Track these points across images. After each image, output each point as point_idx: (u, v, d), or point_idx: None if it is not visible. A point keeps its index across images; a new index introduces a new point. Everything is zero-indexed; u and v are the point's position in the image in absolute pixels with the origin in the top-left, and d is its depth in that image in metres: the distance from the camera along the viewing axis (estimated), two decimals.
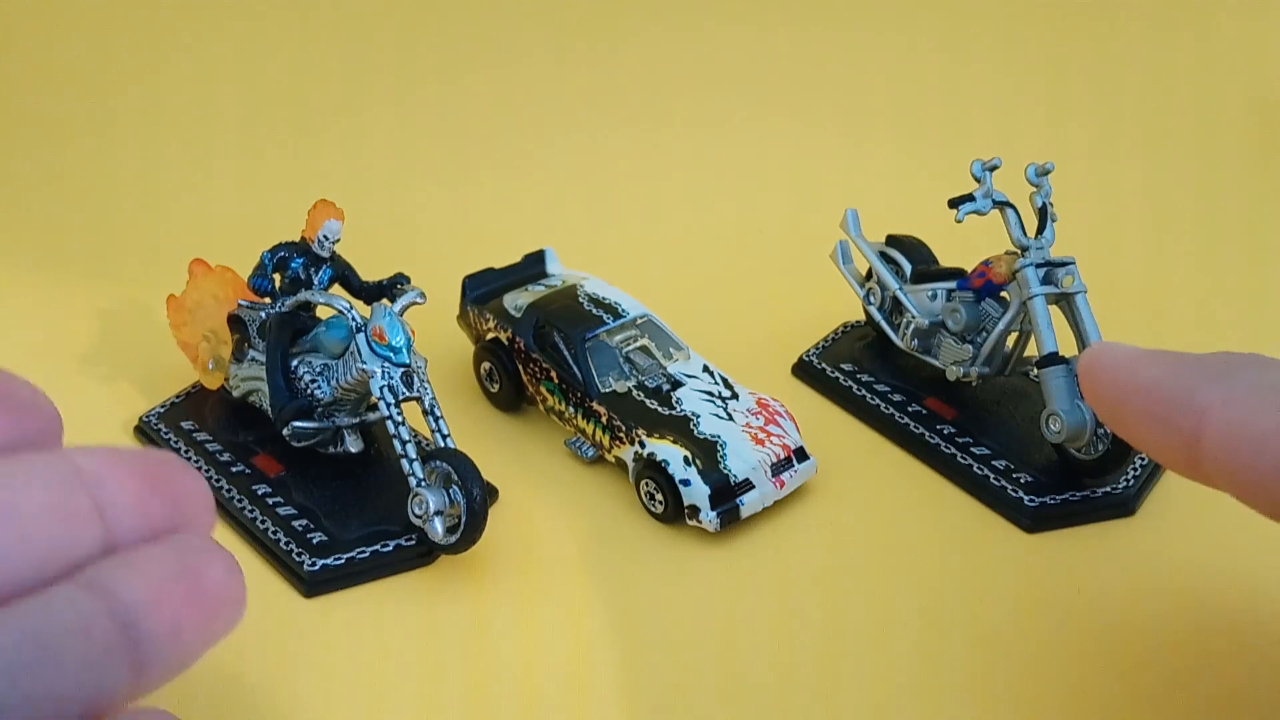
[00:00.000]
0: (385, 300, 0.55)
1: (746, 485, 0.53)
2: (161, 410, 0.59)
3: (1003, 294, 0.58)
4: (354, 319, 0.52)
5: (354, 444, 0.55)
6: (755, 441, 0.54)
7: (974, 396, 0.60)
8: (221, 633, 0.30)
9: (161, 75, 0.89)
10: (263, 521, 0.53)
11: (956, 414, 0.59)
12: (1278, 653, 0.48)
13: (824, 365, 0.63)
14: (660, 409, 0.56)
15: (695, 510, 0.53)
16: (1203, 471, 0.35)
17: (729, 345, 0.62)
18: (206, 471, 0.56)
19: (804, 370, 0.64)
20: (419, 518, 0.51)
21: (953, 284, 0.60)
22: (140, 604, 0.28)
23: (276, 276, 0.55)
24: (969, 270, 0.59)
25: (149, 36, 0.93)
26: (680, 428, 0.55)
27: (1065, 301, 0.56)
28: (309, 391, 0.54)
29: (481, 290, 0.62)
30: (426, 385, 0.53)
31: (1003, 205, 0.57)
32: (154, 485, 0.31)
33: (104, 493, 0.29)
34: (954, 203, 0.57)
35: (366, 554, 0.52)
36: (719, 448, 0.54)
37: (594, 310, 0.59)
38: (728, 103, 0.88)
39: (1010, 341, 0.58)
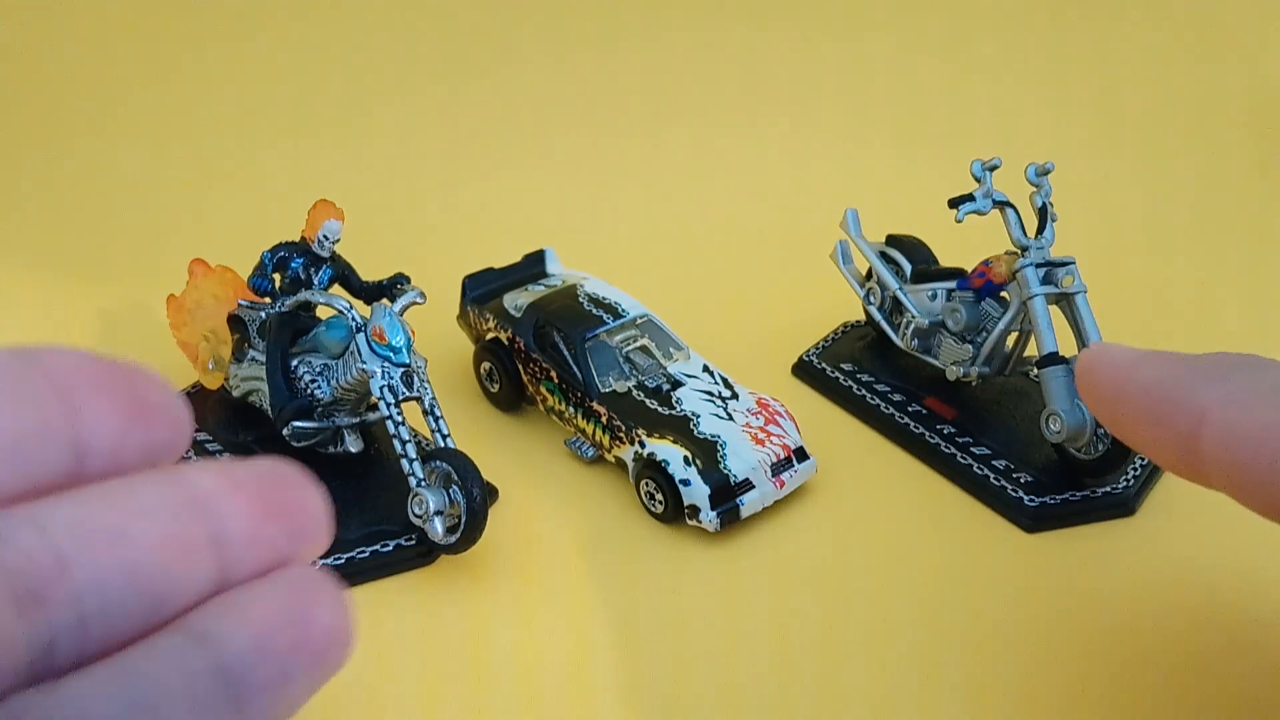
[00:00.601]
0: (385, 300, 0.55)
1: (746, 485, 0.53)
2: None
3: (1003, 294, 0.58)
4: (354, 319, 0.52)
5: (354, 444, 0.55)
6: (755, 441, 0.54)
7: (974, 396, 0.60)
8: (328, 678, 0.29)
9: (162, 76, 0.89)
10: None
11: (956, 414, 0.59)
12: (1278, 653, 0.48)
13: (824, 365, 0.63)
14: (660, 409, 0.56)
15: (695, 510, 0.53)
16: (1201, 472, 0.35)
17: (729, 345, 0.62)
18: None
19: (804, 370, 0.64)
20: (419, 518, 0.51)
21: (953, 284, 0.60)
22: (247, 656, 0.26)
23: (276, 276, 0.55)
24: (969, 270, 0.59)
25: (149, 37, 0.93)
26: (680, 428, 0.55)
27: (1065, 301, 0.56)
28: (309, 391, 0.54)
29: (481, 290, 0.62)
30: (426, 385, 0.53)
31: (1003, 205, 0.57)
32: (272, 510, 0.29)
33: (221, 521, 0.27)
34: (954, 203, 0.57)
35: (366, 554, 0.52)
36: (719, 448, 0.54)
37: (594, 310, 0.59)
38: (728, 103, 0.88)
39: (1010, 341, 0.58)
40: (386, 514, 0.53)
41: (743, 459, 0.54)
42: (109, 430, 0.27)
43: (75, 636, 0.25)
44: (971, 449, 0.57)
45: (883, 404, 0.61)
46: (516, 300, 0.61)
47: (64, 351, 0.27)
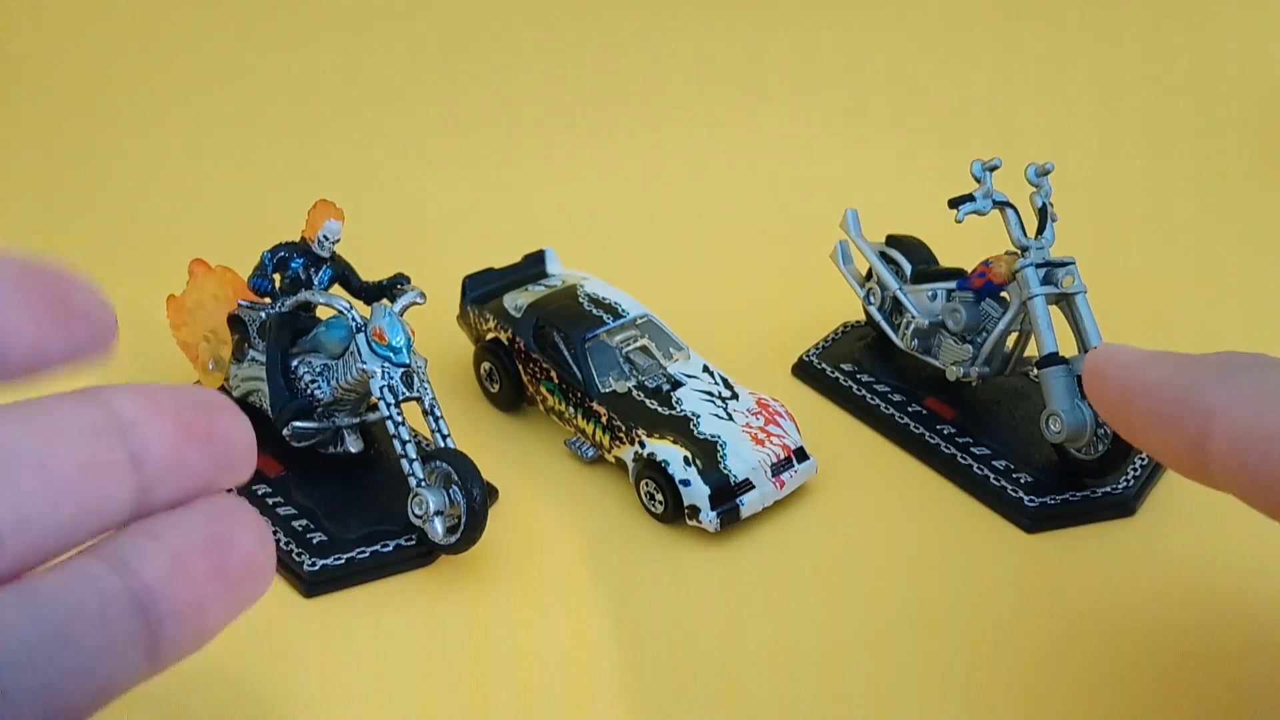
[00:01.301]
0: (385, 300, 0.55)
1: (746, 485, 0.53)
2: None
3: (1003, 294, 0.58)
4: (354, 319, 0.52)
5: (354, 444, 0.55)
6: (755, 441, 0.54)
7: (974, 396, 0.60)
8: (245, 607, 0.28)
9: (161, 75, 0.89)
10: None
11: (956, 414, 0.59)
12: (1278, 653, 0.48)
13: (824, 365, 0.63)
14: (660, 409, 0.56)
15: (695, 510, 0.53)
16: (1209, 473, 0.35)
17: (729, 345, 0.62)
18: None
19: (804, 370, 0.63)
20: (419, 518, 0.51)
21: (953, 284, 0.59)
22: (163, 583, 0.26)
23: (276, 276, 0.55)
24: (969, 270, 0.59)
25: (149, 36, 0.93)
26: (680, 428, 0.55)
27: (1065, 301, 0.56)
28: (309, 391, 0.54)
29: (481, 290, 0.62)
30: (426, 385, 0.53)
31: (1003, 205, 0.57)
32: (195, 433, 0.28)
33: (141, 443, 0.27)
34: (954, 203, 0.57)
35: (366, 554, 0.52)
36: (719, 448, 0.54)
37: (594, 310, 0.59)
38: (728, 102, 0.88)
39: (1010, 341, 0.58)
40: (386, 514, 0.53)
41: (743, 459, 0.54)
42: (27, 329, 0.27)
43: None
44: (971, 449, 0.57)
45: (883, 404, 0.60)
46: (516, 300, 0.61)
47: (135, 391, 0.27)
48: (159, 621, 0.26)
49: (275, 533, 0.52)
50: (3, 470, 0.25)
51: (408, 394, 0.52)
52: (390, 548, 0.52)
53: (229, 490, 0.30)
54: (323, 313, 0.56)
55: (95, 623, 0.26)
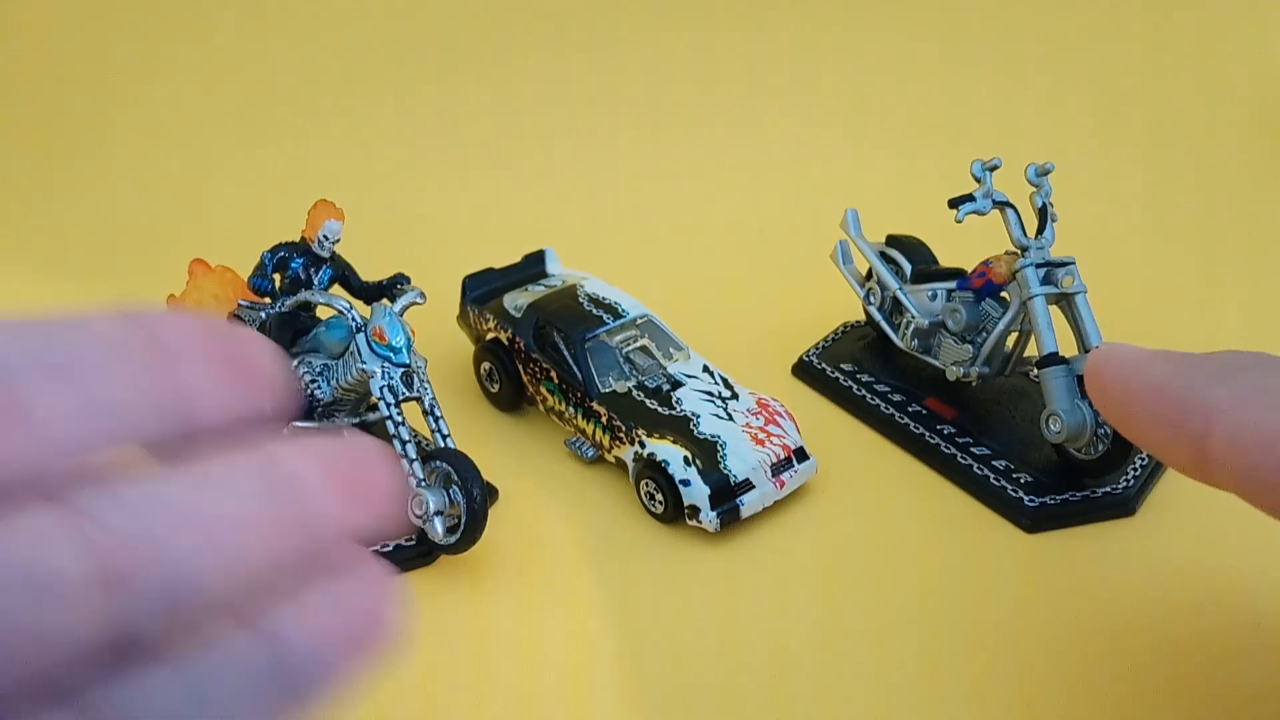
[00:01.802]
0: (385, 300, 0.55)
1: (746, 485, 0.53)
2: None
3: (1003, 294, 0.58)
4: (354, 319, 0.52)
5: None
6: (755, 441, 0.54)
7: (974, 396, 0.60)
8: (373, 666, 0.29)
9: (161, 75, 0.90)
10: None
11: (956, 414, 0.59)
12: (1278, 653, 0.48)
13: (824, 365, 0.63)
14: (660, 409, 0.56)
15: (695, 510, 0.53)
16: (1210, 473, 0.35)
17: (729, 345, 0.62)
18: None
19: (804, 370, 0.63)
20: (419, 518, 0.51)
21: (953, 284, 0.59)
22: (309, 658, 0.27)
23: (276, 276, 0.55)
24: (969, 270, 0.59)
25: (149, 36, 0.93)
26: (680, 428, 0.55)
27: (1065, 301, 0.56)
28: (309, 391, 0.54)
29: (481, 290, 0.62)
30: (426, 385, 0.53)
31: (1003, 205, 0.57)
32: (357, 491, 0.28)
33: (310, 502, 0.27)
34: (954, 203, 0.57)
35: None
36: (719, 448, 0.54)
37: (594, 310, 0.59)
38: (728, 103, 0.88)
39: (1010, 341, 0.58)
40: None
41: (743, 459, 0.54)
42: (215, 392, 0.27)
43: (162, 617, 0.25)
44: (971, 449, 0.57)
45: (883, 404, 0.60)
46: (516, 300, 0.61)
47: (167, 313, 0.27)
48: (301, 696, 0.27)
49: None
50: (177, 533, 0.25)
51: (408, 394, 0.52)
52: (390, 548, 0.52)
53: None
54: (323, 313, 0.56)
55: (242, 698, 0.26)
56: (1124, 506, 0.55)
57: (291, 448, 0.27)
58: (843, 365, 0.63)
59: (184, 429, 0.26)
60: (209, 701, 0.26)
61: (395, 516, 0.29)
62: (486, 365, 0.61)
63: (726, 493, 0.53)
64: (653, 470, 0.53)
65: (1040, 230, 0.56)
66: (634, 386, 0.57)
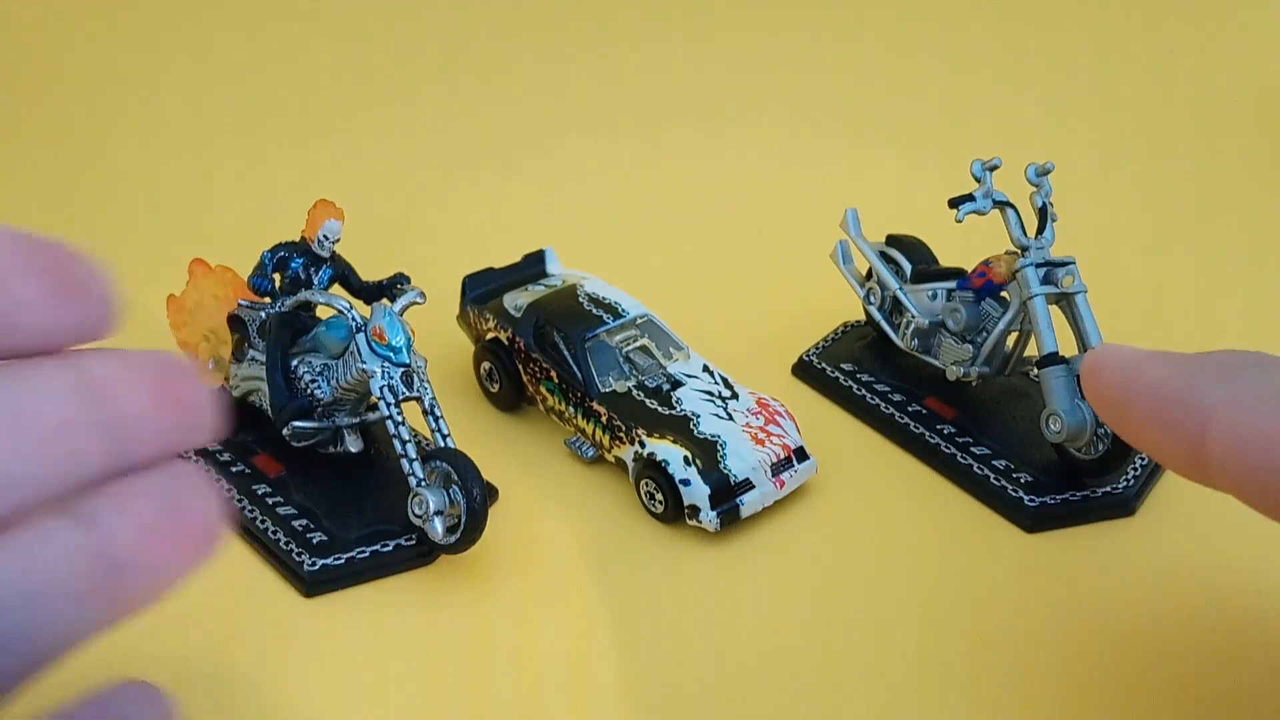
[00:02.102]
0: (385, 300, 0.55)
1: (746, 485, 0.53)
2: None
3: (1003, 294, 0.58)
4: (354, 319, 0.52)
5: (354, 444, 0.55)
6: (755, 441, 0.54)
7: (974, 396, 0.60)
8: (195, 570, 0.30)
9: (162, 75, 0.90)
10: (262, 521, 0.53)
11: (956, 414, 0.59)
12: (1278, 653, 0.48)
13: (824, 365, 0.63)
14: (660, 409, 0.56)
15: (695, 510, 0.53)
16: (1207, 474, 0.35)
17: (729, 345, 0.62)
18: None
19: (804, 370, 0.64)
20: (419, 518, 0.51)
21: (953, 284, 0.60)
22: (127, 542, 0.28)
23: (276, 276, 0.55)
24: (969, 270, 0.59)
25: (149, 36, 0.93)
26: (680, 428, 0.55)
27: (1065, 301, 0.56)
28: (309, 391, 0.54)
29: (481, 290, 0.62)
30: (426, 385, 0.53)
31: (1003, 205, 0.57)
32: (166, 398, 0.29)
33: (118, 408, 0.28)
34: (954, 203, 0.57)
35: (366, 554, 0.52)
36: (719, 448, 0.54)
37: (594, 310, 0.59)
38: (728, 103, 0.88)
39: (1010, 341, 0.58)
40: (386, 514, 0.53)
41: (743, 459, 0.54)
42: (36, 307, 0.28)
43: None
44: (971, 449, 0.57)
45: (883, 404, 0.61)
46: (516, 300, 0.61)
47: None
48: (120, 578, 0.28)
49: (275, 532, 0.52)
50: None
51: (408, 394, 0.52)
52: (390, 548, 0.52)
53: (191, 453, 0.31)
54: (323, 312, 0.56)
55: (63, 575, 0.27)
56: (1124, 506, 0.55)
57: (99, 356, 0.29)
58: (843, 365, 0.63)
59: (3, 341, 0.28)
60: (25, 579, 0.26)
61: (203, 423, 0.31)
62: (486, 365, 0.61)
63: (726, 492, 0.53)
64: (653, 470, 0.53)
65: (1040, 230, 0.56)
66: (634, 386, 0.57)
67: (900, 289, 0.61)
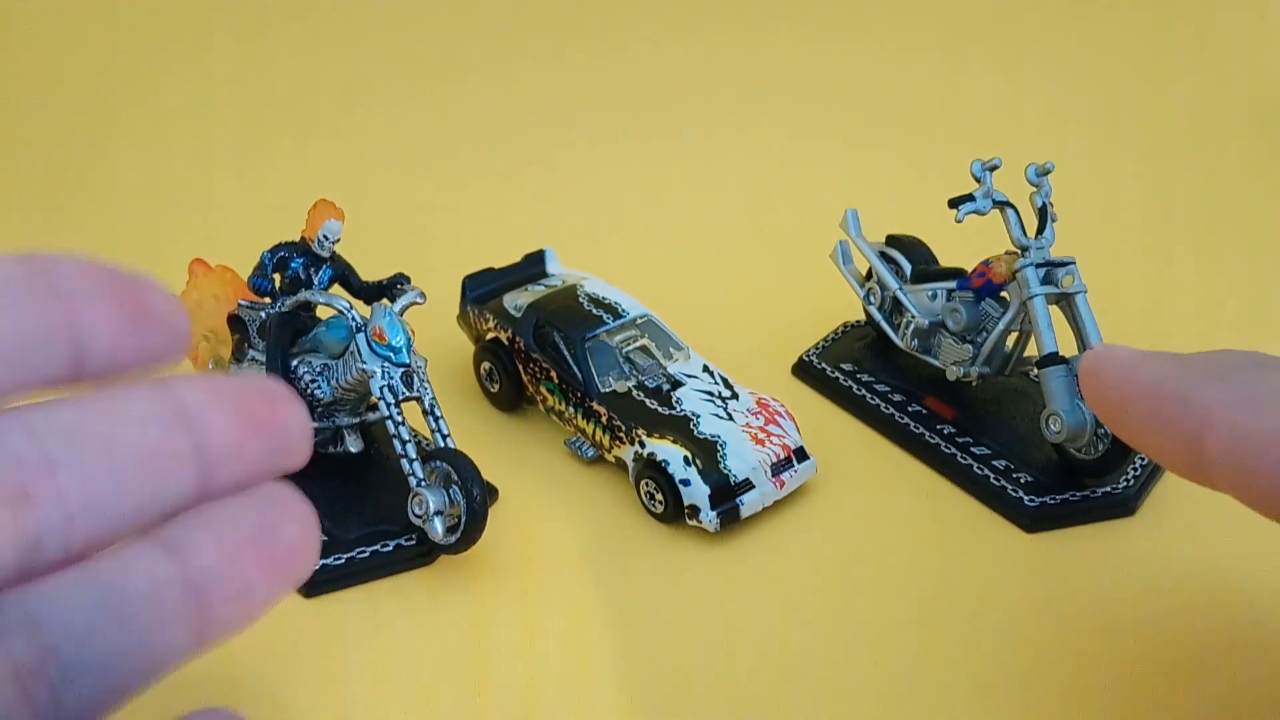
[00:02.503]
0: (385, 300, 0.55)
1: (746, 485, 0.53)
2: None
3: (1003, 294, 0.58)
4: (354, 319, 0.52)
5: (354, 444, 0.55)
6: (755, 441, 0.54)
7: (974, 396, 0.60)
8: (289, 591, 0.30)
9: (162, 75, 0.90)
10: None
11: (956, 414, 0.59)
12: (1278, 653, 0.48)
13: (824, 365, 0.63)
14: (660, 409, 0.56)
15: (695, 510, 0.53)
16: (1206, 474, 0.35)
17: (729, 345, 0.62)
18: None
19: (804, 370, 0.63)
20: (419, 518, 0.51)
21: (953, 284, 0.60)
22: (214, 569, 0.28)
23: (276, 276, 0.55)
24: (969, 270, 0.59)
25: (149, 37, 0.93)
26: (680, 428, 0.55)
27: (1065, 301, 0.56)
28: (309, 391, 0.54)
29: (481, 290, 0.62)
30: (426, 385, 0.53)
31: (1003, 205, 0.57)
32: (256, 424, 0.29)
33: (206, 435, 0.28)
34: (954, 203, 0.57)
35: (366, 554, 0.52)
36: (719, 448, 0.54)
37: (594, 310, 0.59)
38: (728, 103, 0.88)
39: (1010, 341, 0.58)
40: (386, 514, 0.53)
41: (743, 459, 0.54)
42: (108, 334, 0.28)
43: (61, 537, 0.26)
44: (971, 449, 0.57)
45: (883, 404, 0.61)
46: (516, 300, 0.61)
47: (66, 257, 0.28)
48: (208, 605, 0.28)
49: None
50: (73, 453, 0.26)
51: (408, 394, 0.52)
52: (390, 548, 0.52)
53: (283, 476, 0.31)
54: (323, 313, 0.56)
55: (150, 605, 0.27)
56: (1124, 506, 0.55)
57: (188, 382, 0.29)
58: (843, 365, 0.63)
59: (76, 368, 0.27)
60: (116, 608, 0.27)
61: (295, 447, 0.30)
62: (486, 365, 0.61)
63: (726, 492, 0.53)
64: (653, 470, 0.53)
65: (1040, 230, 0.56)
66: (634, 386, 0.57)
67: (900, 289, 0.61)
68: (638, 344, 0.58)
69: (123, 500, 0.27)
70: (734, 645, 0.49)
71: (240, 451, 0.29)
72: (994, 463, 0.56)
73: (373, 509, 0.53)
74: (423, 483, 0.51)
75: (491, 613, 0.50)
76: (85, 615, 0.26)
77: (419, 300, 0.55)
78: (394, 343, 0.52)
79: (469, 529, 0.50)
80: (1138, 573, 0.52)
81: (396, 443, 0.51)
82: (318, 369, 0.54)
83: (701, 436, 0.54)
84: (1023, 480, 0.55)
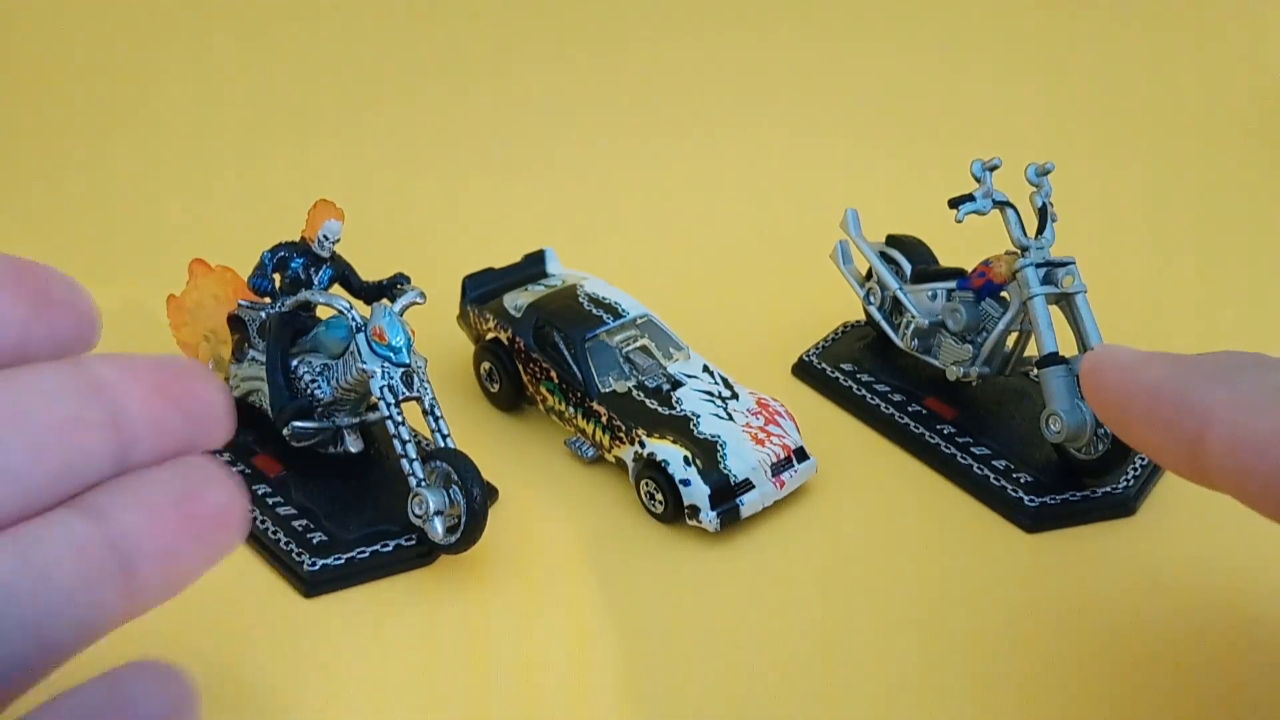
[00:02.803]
0: (385, 300, 0.55)
1: (746, 485, 0.53)
2: None
3: (1003, 294, 0.58)
4: (354, 319, 0.52)
5: (354, 444, 0.55)
6: (755, 441, 0.54)
7: (974, 396, 0.60)
8: (216, 558, 0.31)
9: (162, 75, 0.90)
10: (263, 521, 0.53)
11: (956, 414, 0.59)
12: (1278, 653, 0.48)
13: (824, 365, 0.63)
14: (660, 409, 0.56)
15: (695, 510, 0.53)
16: (1206, 474, 0.35)
17: (729, 345, 0.62)
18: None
19: (804, 370, 0.64)
20: (419, 518, 0.51)
21: (953, 284, 0.60)
22: (136, 530, 0.29)
23: (276, 276, 0.55)
24: (969, 270, 0.59)
25: (149, 37, 0.93)
26: (680, 428, 0.55)
27: (1065, 301, 0.56)
28: (309, 391, 0.54)
29: (481, 290, 0.62)
30: (426, 385, 0.53)
31: (1003, 205, 0.57)
32: (172, 398, 0.30)
33: (121, 407, 0.29)
34: (954, 203, 0.57)
35: (366, 554, 0.52)
36: (719, 448, 0.54)
37: (594, 310, 0.59)
38: (728, 103, 0.88)
39: (1010, 341, 0.58)
40: (386, 514, 0.53)
41: (743, 459, 0.54)
42: (14, 322, 0.29)
43: None
44: (971, 449, 0.57)
45: (883, 404, 0.61)
46: (516, 300, 0.61)
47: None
48: (134, 566, 0.29)
49: (275, 533, 0.52)
50: None
51: (408, 394, 0.52)
52: (390, 548, 0.52)
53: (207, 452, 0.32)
54: (323, 313, 0.56)
55: (73, 565, 0.28)
56: (1124, 506, 0.55)
57: (102, 359, 0.30)
58: (843, 365, 0.63)
59: None
60: (38, 567, 0.27)
61: (213, 421, 0.32)
62: (486, 365, 0.61)
63: (726, 492, 0.53)
64: (653, 470, 0.53)
65: (1040, 230, 0.56)
66: (634, 386, 0.57)
67: (900, 289, 0.61)
68: (638, 344, 0.58)
69: (39, 469, 0.28)
70: (734, 645, 0.49)
71: (158, 424, 0.30)
72: (994, 463, 0.56)
73: (373, 509, 0.53)
74: (423, 483, 0.51)
75: (491, 613, 0.50)
76: (8, 576, 0.27)
77: (419, 300, 0.55)
78: (394, 343, 0.52)
79: (469, 529, 0.50)
80: (1138, 573, 0.52)
81: (396, 443, 0.51)
82: (318, 369, 0.54)
83: (701, 436, 0.54)
84: (1023, 480, 0.55)
